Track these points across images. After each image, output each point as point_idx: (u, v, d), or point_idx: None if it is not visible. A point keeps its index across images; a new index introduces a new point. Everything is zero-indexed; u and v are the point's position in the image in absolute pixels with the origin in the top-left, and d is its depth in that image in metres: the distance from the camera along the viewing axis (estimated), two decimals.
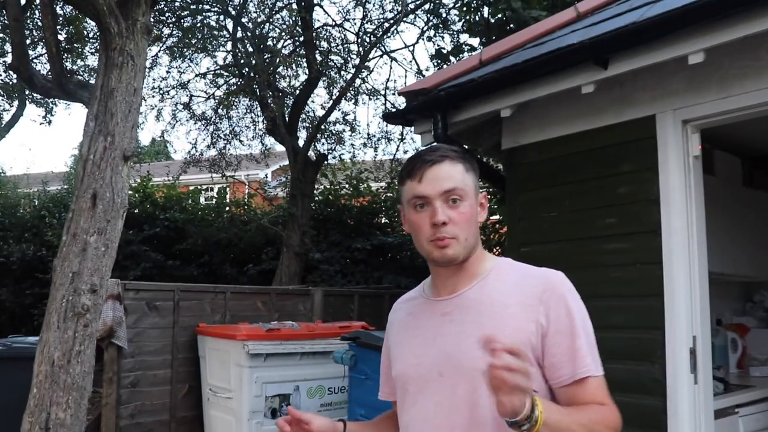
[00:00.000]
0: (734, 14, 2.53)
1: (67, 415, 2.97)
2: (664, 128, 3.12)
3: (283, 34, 9.82)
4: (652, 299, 3.07)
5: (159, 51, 9.71)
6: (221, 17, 9.85)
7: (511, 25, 5.78)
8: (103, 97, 3.08)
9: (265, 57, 9.15)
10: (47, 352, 2.99)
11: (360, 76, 9.86)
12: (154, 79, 10.37)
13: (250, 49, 9.36)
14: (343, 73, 10.09)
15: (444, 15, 9.37)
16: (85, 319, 3.03)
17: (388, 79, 18.01)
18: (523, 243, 3.66)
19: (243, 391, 5.31)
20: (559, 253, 3.48)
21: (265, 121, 9.94)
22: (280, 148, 11.87)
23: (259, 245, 10.17)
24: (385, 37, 9.83)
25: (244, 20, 9.64)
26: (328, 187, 10.78)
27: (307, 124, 10.56)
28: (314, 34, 9.28)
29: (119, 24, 3.08)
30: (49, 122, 10.36)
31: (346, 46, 10.06)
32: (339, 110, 10.32)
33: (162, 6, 8.46)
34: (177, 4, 9.03)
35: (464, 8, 7.34)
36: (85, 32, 7.77)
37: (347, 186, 10.77)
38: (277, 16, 9.93)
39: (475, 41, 7.91)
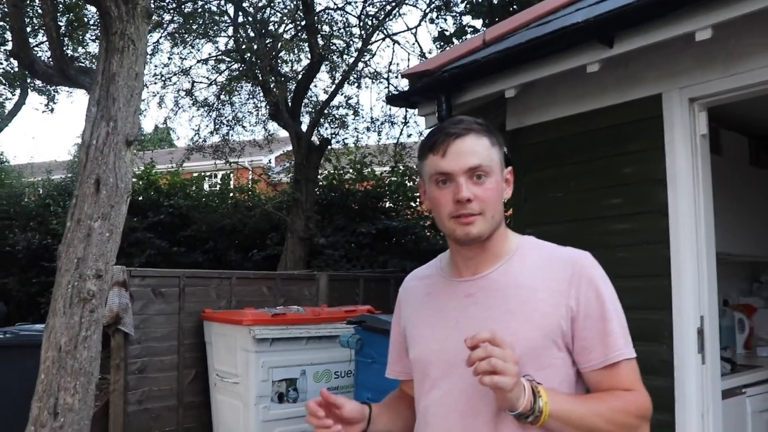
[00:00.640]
0: None
1: (75, 400, 2.98)
2: (671, 107, 3.09)
3: (285, 18, 9.77)
4: (660, 279, 3.06)
5: (160, 37, 9.67)
6: (222, 2, 9.80)
7: (515, 6, 5.74)
8: (105, 82, 3.06)
9: (267, 42, 9.11)
10: (54, 337, 3.00)
11: (362, 59, 9.81)
12: (155, 66, 10.35)
13: (252, 34, 9.31)
14: (345, 56, 10.04)
15: None
16: (90, 305, 3.03)
17: (390, 63, 17.99)
18: (528, 224, 3.64)
19: (250, 375, 5.32)
20: (565, 233, 3.45)
21: (267, 107, 9.90)
22: (283, 133, 11.84)
23: (264, 231, 10.17)
24: (387, 20, 9.77)
25: (245, 5, 9.59)
26: (332, 171, 10.76)
27: (310, 109, 10.52)
28: (316, 17, 9.22)
29: (119, 8, 3.04)
30: (52, 110, 10.34)
31: (348, 29, 10.00)
32: (342, 94, 10.30)
33: None
34: None
35: None
36: (85, 19, 7.73)
37: (351, 170, 10.76)
38: (278, 0, 9.87)
39: (478, 23, 7.87)
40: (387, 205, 10.45)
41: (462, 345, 1.42)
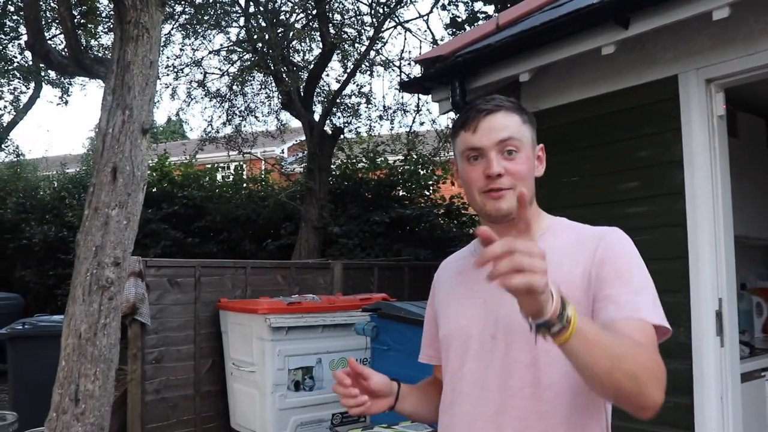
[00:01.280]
0: None
1: (96, 386, 3.01)
2: (687, 88, 3.07)
3: (296, 7, 9.74)
4: (677, 262, 3.04)
5: (171, 29, 9.68)
6: None
7: None
8: (120, 71, 3.07)
9: (279, 31, 9.09)
10: (74, 325, 3.02)
11: (374, 48, 9.77)
12: (167, 57, 10.37)
13: (263, 24, 9.29)
14: (357, 45, 10.01)
15: None
16: (109, 292, 3.05)
17: (402, 50, 17.89)
18: (544, 209, 3.62)
19: (266, 364, 5.35)
20: (580, 217, 3.42)
21: (279, 96, 9.90)
22: (295, 123, 11.84)
23: (278, 221, 10.19)
24: (398, 7, 9.72)
25: None
26: (345, 161, 10.76)
27: (322, 98, 10.51)
28: (327, 6, 9.20)
29: None
30: (66, 102, 10.42)
31: (359, 17, 9.97)
32: (354, 83, 10.26)
33: None
34: None
35: None
36: (98, 11, 7.76)
37: (364, 159, 10.75)
38: None
39: (490, 8, 7.82)
40: (400, 193, 10.44)
41: (488, 322, 1.43)
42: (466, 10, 8.74)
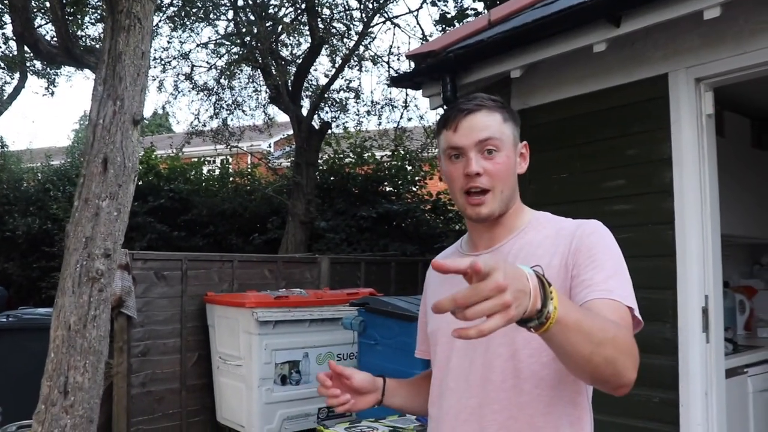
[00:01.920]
0: None
1: (85, 378, 2.99)
2: (677, 87, 3.09)
3: (285, 1, 9.71)
4: (665, 259, 3.07)
5: (159, 21, 9.60)
6: None
7: None
8: (111, 61, 3.04)
9: (268, 24, 9.05)
10: (63, 316, 3.00)
11: (363, 43, 9.76)
12: (155, 50, 10.29)
13: (252, 18, 9.25)
14: (345, 40, 10.00)
15: None
16: (99, 284, 3.03)
17: (391, 46, 17.90)
18: (533, 205, 3.63)
19: (253, 358, 5.34)
20: (570, 214, 3.45)
21: (267, 90, 9.86)
22: (281, 118, 11.80)
23: (265, 215, 10.17)
24: (387, 2, 9.70)
25: None
26: (332, 155, 10.74)
27: (310, 93, 10.49)
28: (316, 0, 9.17)
29: None
30: (52, 93, 10.29)
31: (348, 12, 9.95)
32: (342, 78, 10.25)
33: None
34: None
35: None
36: (86, 0, 7.67)
37: (351, 154, 10.74)
38: None
39: (479, 5, 7.83)
40: (387, 188, 10.44)
41: None
42: (455, 6, 8.75)
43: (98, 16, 8.57)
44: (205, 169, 12.54)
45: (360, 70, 10.28)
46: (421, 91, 3.96)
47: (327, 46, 9.56)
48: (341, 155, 10.71)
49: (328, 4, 9.70)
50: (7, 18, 8.67)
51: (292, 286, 6.49)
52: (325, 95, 9.95)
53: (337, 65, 9.76)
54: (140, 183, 10.26)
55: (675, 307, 3.05)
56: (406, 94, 10.53)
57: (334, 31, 9.72)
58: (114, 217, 3.07)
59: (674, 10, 2.75)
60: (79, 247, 3.03)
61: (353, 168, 10.48)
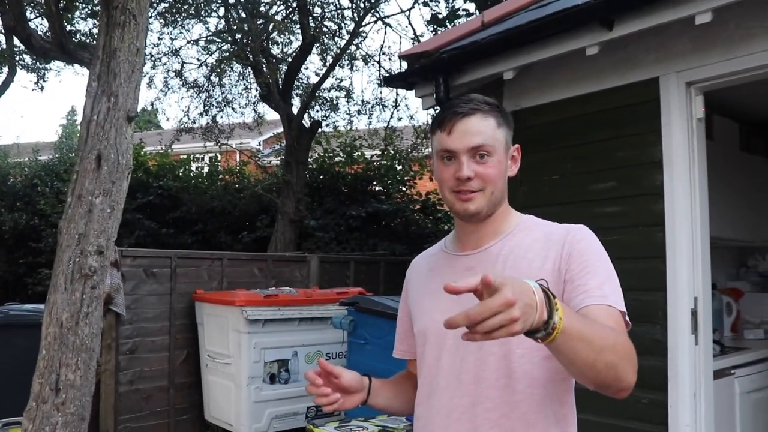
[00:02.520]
0: None
1: (77, 376, 2.98)
2: (668, 90, 3.12)
3: None
4: (655, 261, 3.10)
5: (150, 17, 9.55)
6: None
7: None
8: (106, 57, 3.03)
9: (259, 22, 9.03)
10: (55, 313, 2.98)
11: (354, 42, 9.76)
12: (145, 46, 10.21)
13: (243, 15, 9.23)
14: (337, 39, 9.99)
15: None
16: (92, 281, 3.02)
17: (382, 46, 17.90)
18: (524, 206, 3.63)
19: (242, 356, 5.34)
20: (561, 216, 3.47)
21: (258, 88, 9.84)
22: (271, 117, 11.78)
23: (254, 213, 10.15)
24: (379, 2, 9.71)
25: None
26: (322, 154, 10.74)
27: (301, 92, 10.48)
28: None
29: None
30: (42, 88, 10.21)
31: (339, 11, 9.95)
32: (333, 77, 10.25)
33: None
34: None
35: None
36: None
37: (341, 153, 10.74)
38: None
39: (471, 6, 7.86)
40: (377, 188, 10.45)
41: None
42: (447, 7, 8.77)
43: (88, 12, 8.52)
44: (194, 166, 12.49)
45: (351, 69, 10.30)
46: (413, 91, 3.97)
47: (318, 44, 9.56)
48: (331, 154, 10.71)
49: (319, 3, 9.70)
50: None
51: (281, 284, 6.49)
52: (316, 94, 9.95)
53: (328, 64, 9.77)
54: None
55: (665, 308, 3.07)
56: (397, 94, 10.56)
57: (325, 29, 9.72)
58: (107, 214, 3.06)
59: (667, 15, 2.77)
60: (72, 244, 3.02)
61: (343, 167, 10.48)
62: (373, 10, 9.77)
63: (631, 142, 3.27)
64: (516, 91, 3.76)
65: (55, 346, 2.95)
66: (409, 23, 16.57)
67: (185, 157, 12.63)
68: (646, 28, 2.91)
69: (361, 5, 9.68)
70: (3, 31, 8.90)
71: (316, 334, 5.70)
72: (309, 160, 10.00)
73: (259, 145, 16.94)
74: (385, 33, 21.88)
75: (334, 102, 10.48)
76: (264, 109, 11.16)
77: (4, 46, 9.12)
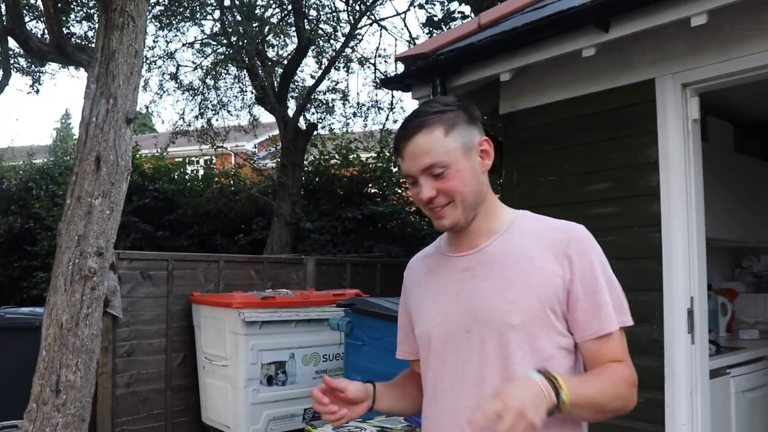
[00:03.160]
0: None
1: (77, 377, 2.98)
2: (664, 92, 3.14)
3: (272, 2, 9.70)
4: (651, 261, 3.12)
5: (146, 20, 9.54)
6: None
7: None
8: (104, 59, 3.03)
9: (254, 25, 9.04)
10: (55, 315, 2.99)
11: (349, 45, 9.77)
12: None
13: (239, 18, 9.23)
14: (332, 41, 10.00)
15: None
16: (92, 282, 3.02)
17: (377, 48, 17.92)
18: (520, 208, 3.67)
19: (239, 358, 5.34)
20: (557, 217, 3.50)
21: (253, 91, 9.85)
22: (266, 119, 11.77)
23: (250, 215, 10.14)
24: (375, 4, 9.73)
25: None
26: (318, 157, 10.74)
27: (296, 94, 10.48)
28: (303, 2, 9.17)
29: None
30: (37, 91, 10.18)
31: (335, 14, 9.96)
32: (329, 79, 10.26)
33: None
34: None
35: None
36: None
37: (337, 156, 10.75)
38: None
39: (466, 8, 7.88)
40: (372, 190, 10.46)
41: (462, 317, 1.49)
42: (442, 9, 8.80)
43: (83, 14, 8.51)
44: (189, 169, 12.48)
45: (347, 71, 10.31)
46: (410, 93, 3.98)
47: (314, 47, 9.57)
48: (327, 156, 10.71)
49: (315, 6, 9.71)
50: None
51: (278, 286, 6.50)
52: (312, 96, 9.95)
53: (323, 67, 9.78)
54: None
55: (661, 308, 3.09)
56: (392, 96, 10.57)
57: (321, 32, 9.73)
58: (107, 215, 3.07)
59: (662, 17, 2.80)
60: (71, 245, 3.02)
61: (339, 169, 10.48)
62: (368, 13, 9.80)
63: (627, 143, 3.29)
64: (512, 93, 3.78)
65: (55, 348, 2.95)
66: (405, 26, 16.67)
67: (180, 160, 12.61)
68: (642, 30, 2.93)
69: (357, 8, 9.70)
70: None
71: (313, 336, 5.71)
72: (305, 162, 10.01)
73: (254, 148, 16.93)
74: (381, 35, 21.98)
75: (330, 104, 10.50)
76: (259, 111, 11.17)
77: None
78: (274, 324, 5.48)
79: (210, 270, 6.30)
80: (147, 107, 11.26)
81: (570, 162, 3.55)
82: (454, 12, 8.30)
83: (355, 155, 10.84)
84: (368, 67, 10.47)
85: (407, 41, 9.84)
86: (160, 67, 10.22)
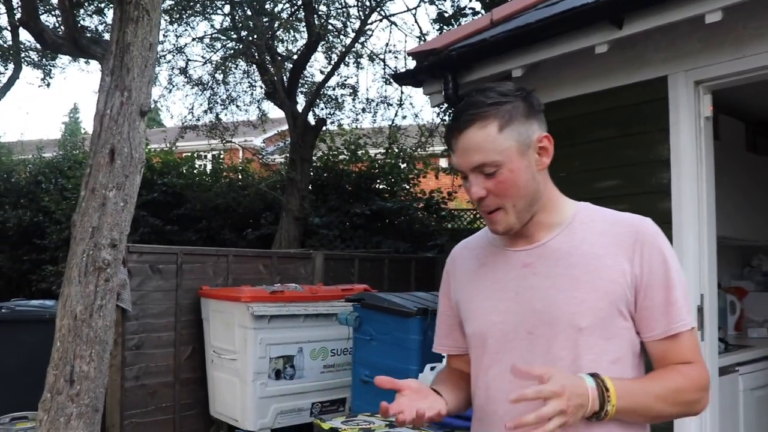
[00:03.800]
0: None
1: (91, 368, 3.01)
2: (676, 89, 3.14)
3: None
4: None
5: None
6: None
7: None
8: (119, 52, 3.06)
9: (264, 20, 9.06)
10: (69, 306, 3.01)
11: (359, 40, 9.77)
12: None
13: (249, 13, 9.25)
14: (342, 37, 10.01)
15: None
16: (105, 274, 3.05)
17: (387, 44, 17.92)
18: None
19: (247, 352, 5.36)
20: None
21: (263, 86, 9.86)
22: (275, 114, 11.78)
23: (258, 210, 10.16)
24: (385, 0, 9.73)
25: None
26: (326, 152, 10.76)
27: (305, 90, 10.49)
28: None
29: None
30: (48, 84, 10.24)
31: (345, 9, 9.96)
32: (338, 75, 10.27)
33: None
34: None
35: None
36: None
37: (345, 151, 10.76)
38: None
39: (477, 4, 7.88)
40: (381, 186, 10.46)
41: (524, 318, 1.40)
42: (452, 5, 8.79)
43: (94, 8, 8.54)
44: (197, 164, 12.51)
45: (357, 67, 10.30)
46: (422, 88, 3.99)
47: (323, 42, 9.57)
48: (335, 152, 10.73)
49: (325, 1, 9.71)
50: (1, 8, 8.61)
51: (286, 281, 6.51)
52: (321, 92, 9.96)
53: (333, 62, 9.78)
54: None
55: None
56: (401, 92, 10.57)
57: (330, 27, 9.74)
58: (120, 207, 3.09)
59: (676, 14, 2.79)
60: (85, 237, 3.05)
61: (347, 165, 10.49)
62: (378, 9, 9.79)
63: (639, 140, 3.29)
64: None
65: (69, 338, 2.98)
66: (415, 21, 16.64)
67: (189, 154, 12.64)
68: (656, 27, 2.93)
69: (367, 3, 9.70)
70: (9, 28, 8.94)
71: (321, 331, 5.72)
72: (313, 157, 10.02)
73: (263, 143, 16.96)
74: (391, 31, 21.95)
75: (339, 100, 10.50)
76: (268, 106, 11.18)
77: (10, 43, 9.15)
78: (283, 318, 5.50)
79: (219, 264, 6.32)
80: (156, 102, 11.29)
81: (581, 158, 3.54)
82: (464, 8, 8.30)
83: (363, 151, 10.85)
84: (378, 63, 10.47)
85: (417, 37, 9.83)
86: (169, 61, 10.25)
